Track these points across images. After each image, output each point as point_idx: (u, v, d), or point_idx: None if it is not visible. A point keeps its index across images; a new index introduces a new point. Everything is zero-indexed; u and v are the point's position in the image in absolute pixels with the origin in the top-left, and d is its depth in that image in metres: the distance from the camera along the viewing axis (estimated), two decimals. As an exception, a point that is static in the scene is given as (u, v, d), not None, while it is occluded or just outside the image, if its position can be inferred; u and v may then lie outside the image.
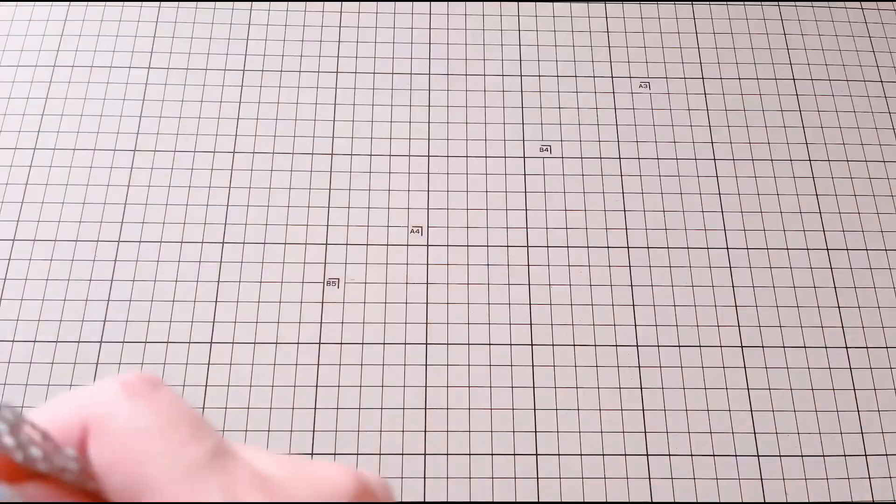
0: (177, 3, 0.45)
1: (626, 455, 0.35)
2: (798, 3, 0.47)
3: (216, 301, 0.37)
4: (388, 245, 0.39)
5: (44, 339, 0.37)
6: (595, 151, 0.42)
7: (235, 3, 0.45)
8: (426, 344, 0.37)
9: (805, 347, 0.38)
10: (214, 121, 0.42)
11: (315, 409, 0.35)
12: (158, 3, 0.45)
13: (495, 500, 0.34)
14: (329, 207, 0.40)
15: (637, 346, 0.37)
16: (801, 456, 0.35)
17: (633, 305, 0.38)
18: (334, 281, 0.38)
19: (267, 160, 0.41)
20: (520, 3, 0.46)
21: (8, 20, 0.44)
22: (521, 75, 0.44)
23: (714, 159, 0.42)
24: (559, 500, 0.34)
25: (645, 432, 0.35)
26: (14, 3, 0.45)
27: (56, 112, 0.42)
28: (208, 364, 0.36)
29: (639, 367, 0.37)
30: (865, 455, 0.36)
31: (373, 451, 0.35)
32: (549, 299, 0.38)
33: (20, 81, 0.42)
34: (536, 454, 0.35)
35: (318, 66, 0.43)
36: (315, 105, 0.42)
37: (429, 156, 0.41)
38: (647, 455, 0.35)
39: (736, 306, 0.38)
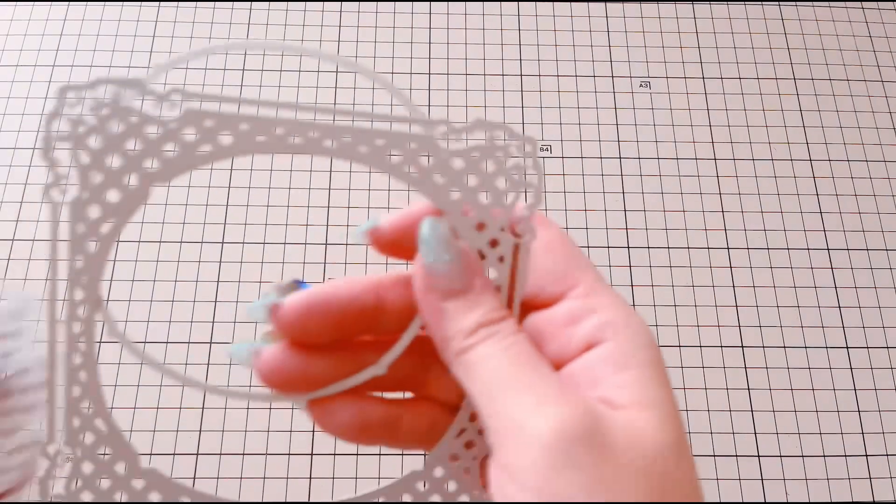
0: (176, 2, 0.45)
1: (626, 455, 0.35)
2: (799, 3, 0.47)
3: (216, 301, 0.37)
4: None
5: (43, 340, 0.36)
6: (595, 151, 0.42)
7: (235, 2, 0.45)
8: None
9: (806, 347, 0.38)
10: (214, 120, 0.42)
11: (315, 409, 0.35)
12: (158, 2, 0.45)
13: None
14: (329, 207, 0.40)
15: (637, 346, 0.37)
16: (802, 456, 0.35)
17: (634, 305, 0.38)
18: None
19: (266, 160, 0.41)
20: (520, 2, 0.46)
21: (7, 20, 0.44)
22: (521, 75, 0.44)
23: (715, 159, 0.42)
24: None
25: (645, 432, 0.35)
26: (13, 2, 0.45)
27: (55, 112, 0.42)
28: (208, 364, 0.36)
29: (639, 367, 0.36)
30: (866, 455, 0.35)
31: (372, 452, 0.35)
32: (550, 299, 0.38)
33: (20, 81, 0.42)
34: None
35: (317, 66, 0.43)
36: (314, 105, 0.42)
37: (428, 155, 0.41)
38: (648, 455, 0.35)
39: (737, 306, 0.38)
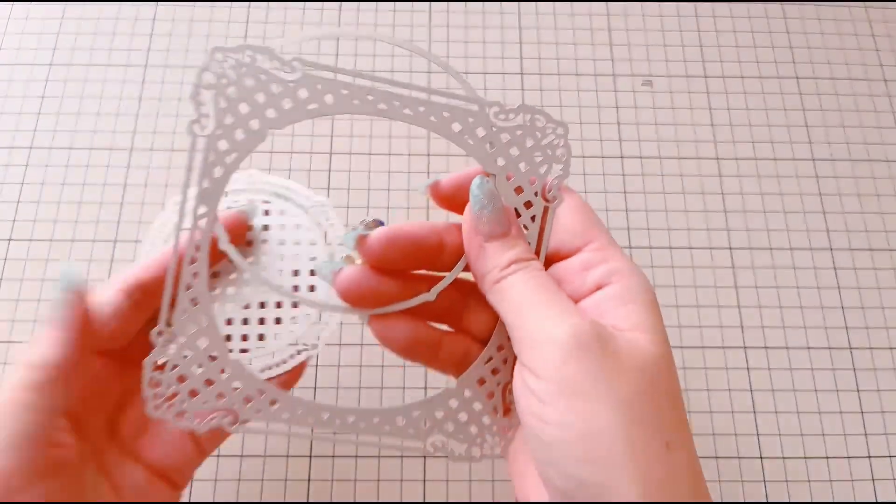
0: (174, 1, 0.45)
1: (628, 457, 0.34)
2: (802, 2, 0.47)
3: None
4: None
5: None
6: (597, 150, 0.42)
7: (233, 1, 0.45)
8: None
9: (808, 348, 0.37)
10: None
11: (314, 410, 0.35)
12: (156, 1, 0.45)
13: (496, 501, 0.34)
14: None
15: (639, 346, 0.37)
16: (805, 458, 0.35)
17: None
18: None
19: (266, 159, 0.40)
20: (520, 1, 0.46)
21: (4, 18, 0.44)
22: (521, 73, 0.43)
23: (717, 158, 0.42)
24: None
25: (647, 434, 0.35)
26: (10, 0, 0.44)
27: (52, 111, 0.41)
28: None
29: (641, 368, 0.36)
30: (869, 456, 0.35)
31: (372, 454, 0.34)
32: (551, 300, 0.37)
33: (16, 80, 0.42)
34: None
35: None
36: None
37: (429, 155, 0.41)
38: (650, 457, 0.34)
39: (739, 306, 0.38)
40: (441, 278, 0.24)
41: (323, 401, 0.33)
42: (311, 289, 0.26)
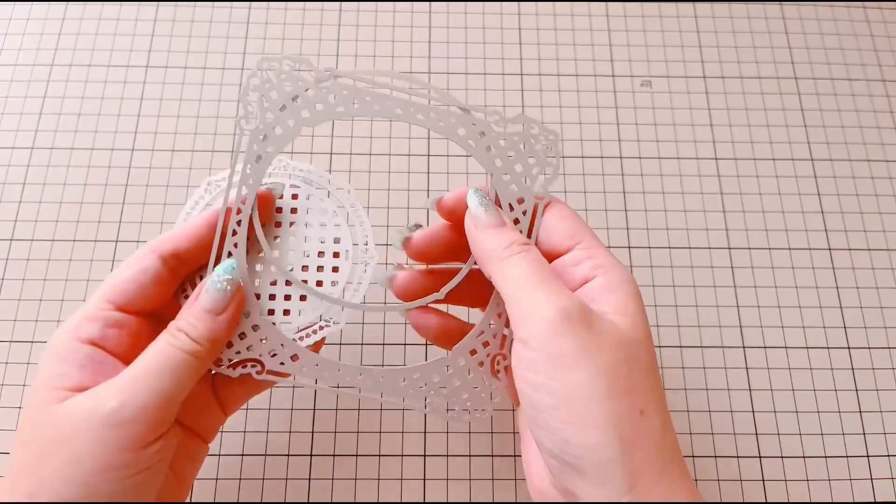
0: (175, 1, 0.45)
1: (627, 456, 0.34)
2: (800, 2, 0.47)
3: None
4: (387, 245, 0.39)
5: (42, 340, 0.36)
6: (596, 150, 0.42)
7: (234, 1, 0.45)
8: (426, 345, 0.37)
9: (807, 348, 0.38)
10: (213, 119, 0.41)
11: (314, 410, 0.35)
12: (157, 1, 0.45)
13: (496, 500, 0.34)
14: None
15: (638, 346, 0.37)
16: (804, 457, 0.35)
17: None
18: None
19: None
20: (520, 1, 0.46)
21: (6, 19, 0.44)
22: (521, 74, 0.44)
23: (716, 158, 0.42)
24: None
25: (646, 433, 0.35)
26: (12, 1, 0.45)
27: (54, 111, 0.41)
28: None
29: (640, 367, 0.36)
30: (867, 456, 0.35)
31: (372, 453, 0.35)
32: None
33: (17, 80, 0.42)
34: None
35: (316, 66, 0.43)
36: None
37: (429, 155, 0.41)
38: (649, 456, 0.35)
39: (738, 306, 0.38)
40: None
41: (319, 403, 0.33)
42: (335, 270, 0.29)
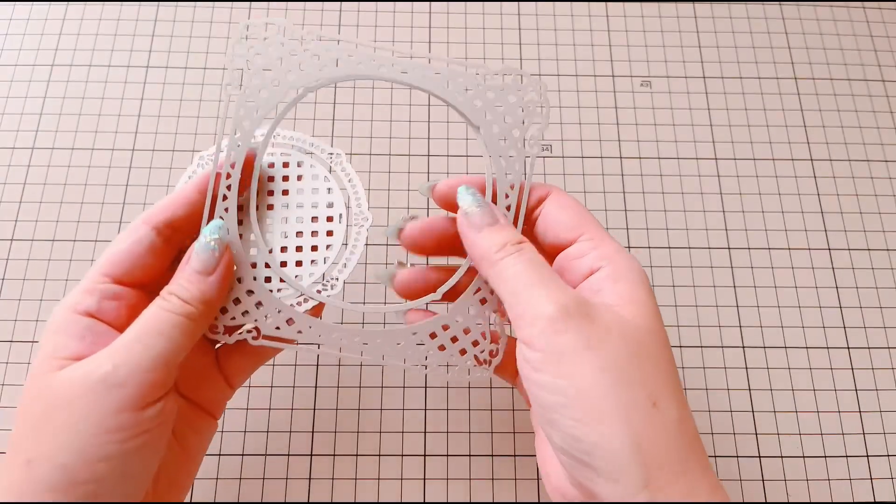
0: (175, 1, 0.45)
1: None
2: (800, 3, 0.47)
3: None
4: (387, 245, 0.39)
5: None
6: (596, 151, 0.42)
7: (234, 2, 0.45)
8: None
9: (807, 348, 0.38)
10: (213, 120, 0.41)
11: (314, 409, 0.35)
12: (157, 2, 0.45)
13: (496, 500, 0.34)
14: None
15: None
16: (804, 457, 0.35)
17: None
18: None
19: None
20: (520, 2, 0.46)
21: (6, 19, 0.44)
22: (521, 74, 0.44)
23: (716, 158, 0.42)
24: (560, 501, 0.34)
25: (646, 433, 0.35)
26: (13, 2, 0.45)
27: (54, 111, 0.42)
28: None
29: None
30: (867, 456, 0.35)
31: (372, 453, 0.35)
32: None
33: (18, 80, 0.42)
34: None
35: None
36: (314, 104, 0.42)
37: (429, 155, 0.41)
38: (649, 456, 0.35)
39: (738, 306, 0.38)
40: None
41: (322, 401, 0.33)
42: (329, 234, 0.29)
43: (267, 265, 0.27)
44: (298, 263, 0.28)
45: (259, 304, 0.27)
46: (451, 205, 0.27)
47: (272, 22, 0.28)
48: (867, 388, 0.37)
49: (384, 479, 0.34)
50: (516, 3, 0.46)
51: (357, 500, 0.34)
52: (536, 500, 0.34)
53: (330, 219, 0.29)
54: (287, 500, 0.34)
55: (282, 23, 0.28)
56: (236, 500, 0.33)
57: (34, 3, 0.45)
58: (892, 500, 0.35)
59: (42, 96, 0.42)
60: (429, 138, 0.42)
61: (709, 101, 0.43)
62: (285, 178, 0.29)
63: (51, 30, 0.44)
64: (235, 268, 0.26)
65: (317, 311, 0.28)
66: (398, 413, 0.35)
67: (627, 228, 0.40)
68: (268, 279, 0.27)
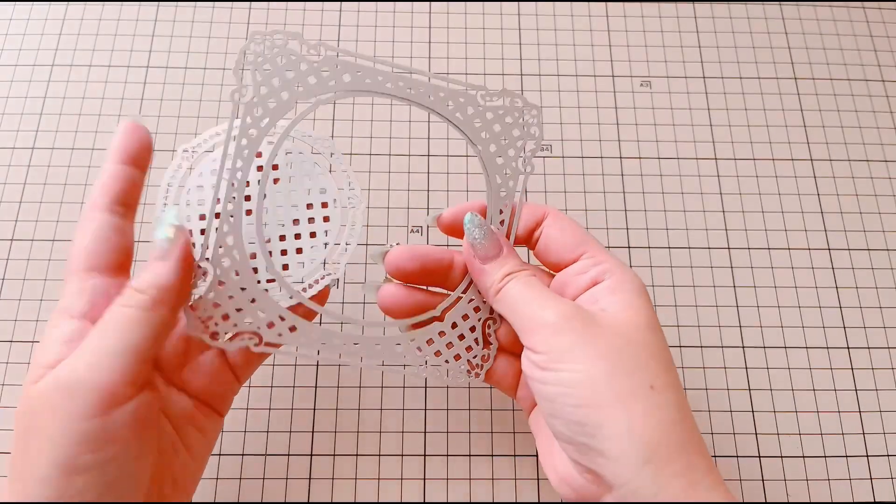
0: (175, 2, 0.45)
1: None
2: (800, 3, 0.47)
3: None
4: (387, 245, 0.39)
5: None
6: (596, 151, 0.42)
7: (234, 2, 0.45)
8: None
9: (807, 348, 0.38)
10: (213, 120, 0.41)
11: (314, 409, 0.35)
12: (157, 2, 0.45)
13: (496, 500, 0.34)
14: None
15: (638, 346, 0.37)
16: (803, 457, 0.35)
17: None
18: (333, 281, 0.38)
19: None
20: (520, 2, 0.46)
21: (6, 19, 0.44)
22: (521, 74, 0.44)
23: (715, 158, 0.42)
24: (559, 501, 0.34)
25: (646, 433, 0.35)
26: (13, 2, 0.45)
27: (54, 111, 0.42)
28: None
29: (640, 367, 0.36)
30: (867, 456, 0.35)
31: (372, 452, 0.35)
32: (550, 299, 0.37)
33: (18, 80, 0.42)
34: (537, 455, 0.35)
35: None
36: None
37: (429, 155, 0.41)
38: (648, 456, 0.35)
39: (737, 306, 0.38)
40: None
41: (322, 403, 0.33)
42: (326, 220, 0.29)
43: (265, 269, 0.28)
44: (299, 250, 0.29)
45: (262, 311, 0.27)
46: (457, 232, 0.29)
47: (280, 32, 0.28)
48: (867, 388, 0.37)
49: (384, 479, 0.34)
50: (516, 3, 0.46)
51: (357, 500, 0.34)
52: (536, 500, 0.34)
53: (325, 204, 0.29)
54: (287, 501, 0.34)
55: (289, 34, 0.28)
56: (236, 501, 0.33)
57: (34, 3, 0.45)
58: (892, 500, 0.35)
59: (42, 96, 0.42)
60: (428, 138, 0.42)
61: (709, 101, 0.43)
62: (275, 167, 0.29)
63: (51, 30, 0.44)
64: (239, 277, 0.27)
65: (322, 296, 0.29)
66: (398, 413, 0.35)
67: (627, 228, 0.40)
68: (270, 280, 0.28)
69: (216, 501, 0.33)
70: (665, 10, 0.46)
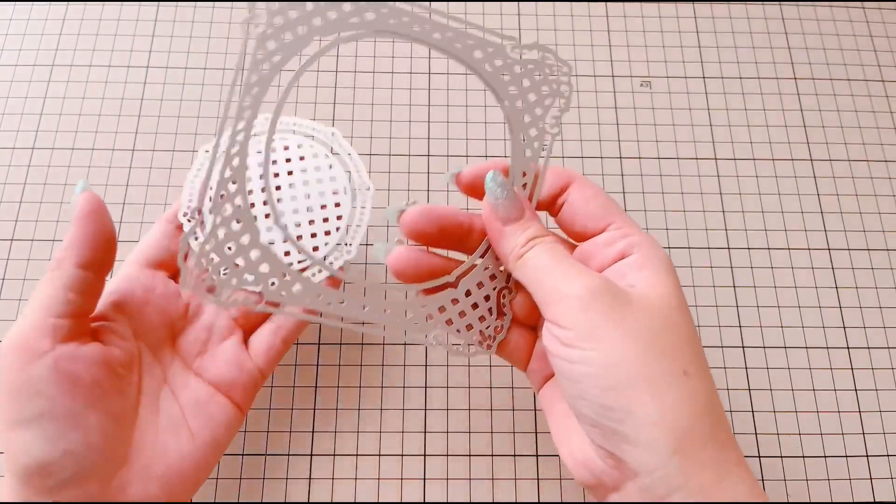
0: (175, 2, 0.45)
1: (626, 456, 0.34)
2: (800, 3, 0.47)
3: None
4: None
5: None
6: (596, 151, 0.42)
7: (234, 2, 0.45)
8: (426, 344, 0.37)
9: (806, 348, 0.38)
10: (213, 120, 0.42)
11: (314, 409, 0.35)
12: (157, 2, 0.45)
13: (496, 500, 0.34)
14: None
15: (638, 346, 0.37)
16: (803, 457, 0.35)
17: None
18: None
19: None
20: (520, 2, 0.46)
21: (6, 19, 0.44)
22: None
23: (715, 159, 0.42)
24: (560, 501, 0.34)
25: (646, 433, 0.35)
26: (13, 2, 0.45)
27: (54, 111, 0.42)
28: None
29: (640, 367, 0.36)
30: (867, 456, 0.35)
31: (372, 452, 0.35)
32: (550, 299, 0.37)
33: (18, 81, 0.42)
34: (537, 455, 0.35)
35: (317, 66, 0.43)
36: (315, 104, 0.42)
37: (429, 155, 0.41)
38: (648, 456, 0.35)
39: (737, 306, 0.38)
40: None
41: (324, 403, 0.33)
42: (337, 206, 0.30)
43: (285, 242, 0.29)
44: (313, 235, 0.30)
45: (265, 269, 0.25)
46: (477, 191, 0.27)
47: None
48: (867, 388, 0.37)
49: (384, 479, 0.34)
50: (516, 3, 0.46)
51: (357, 501, 0.34)
52: (536, 500, 0.34)
53: (335, 192, 0.30)
54: (287, 500, 0.34)
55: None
56: (236, 501, 0.33)
57: (34, 3, 0.45)
58: (892, 500, 0.35)
59: (42, 96, 0.42)
60: (428, 138, 0.42)
61: (708, 101, 0.43)
62: (288, 161, 0.30)
63: (51, 30, 0.44)
64: (241, 227, 0.25)
65: (335, 282, 0.30)
66: (398, 413, 0.35)
67: (627, 228, 0.40)
68: (287, 253, 0.29)
69: (216, 501, 0.33)
70: (665, 10, 0.46)
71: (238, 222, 0.25)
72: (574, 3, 0.46)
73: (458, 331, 0.27)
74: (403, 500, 0.34)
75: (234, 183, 0.25)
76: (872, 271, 0.40)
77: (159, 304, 0.29)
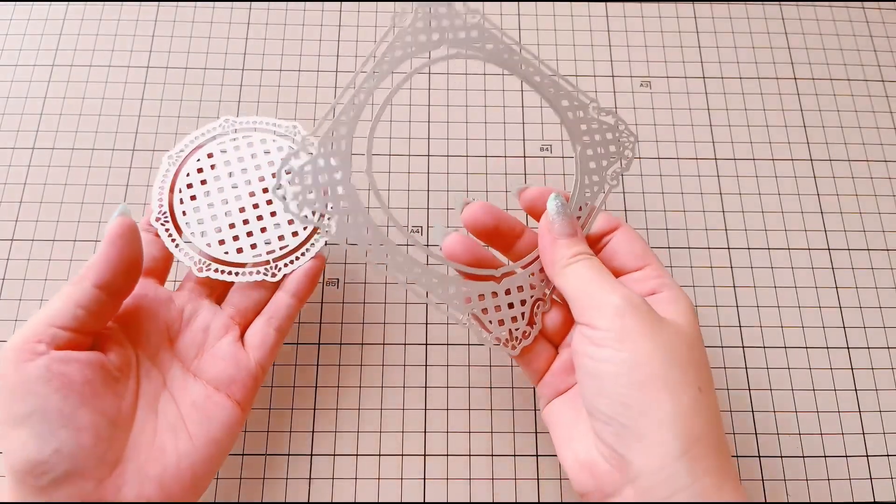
0: (175, 2, 0.45)
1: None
2: (800, 3, 0.47)
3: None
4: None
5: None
6: (596, 151, 0.42)
7: (234, 2, 0.45)
8: (426, 344, 0.37)
9: (806, 348, 0.38)
10: (214, 121, 0.41)
11: (314, 409, 0.35)
12: (157, 2, 0.45)
13: (496, 500, 0.34)
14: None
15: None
16: (803, 457, 0.35)
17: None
18: (334, 281, 0.38)
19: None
20: (520, 2, 0.46)
21: (7, 19, 0.44)
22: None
23: (715, 159, 0.42)
24: (560, 501, 0.34)
25: (646, 433, 0.35)
26: (13, 2, 0.45)
27: (54, 111, 0.42)
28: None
29: (640, 367, 0.36)
30: (867, 456, 0.35)
31: (372, 452, 0.35)
32: (550, 299, 0.37)
33: (18, 81, 0.42)
34: (537, 455, 0.35)
35: (317, 66, 0.43)
36: (315, 104, 0.42)
37: (429, 155, 0.41)
38: (648, 456, 0.35)
39: (737, 306, 0.38)
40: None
41: (330, 401, 0.33)
42: (273, 175, 0.32)
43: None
44: (273, 214, 0.32)
45: (348, 214, 0.29)
46: (534, 210, 0.31)
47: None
48: (867, 388, 0.37)
49: (384, 479, 0.34)
50: (516, 3, 0.46)
51: (357, 501, 0.34)
52: (536, 500, 0.34)
53: (271, 163, 0.33)
54: (287, 501, 0.34)
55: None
56: (236, 501, 0.33)
57: (34, 3, 0.45)
58: (892, 500, 0.35)
59: (42, 96, 0.42)
60: (429, 138, 0.42)
61: (708, 101, 0.43)
62: (253, 156, 0.33)
63: (51, 30, 0.44)
64: (337, 163, 0.29)
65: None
66: (398, 413, 0.35)
67: (627, 228, 0.40)
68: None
69: (216, 501, 0.33)
70: (665, 10, 0.46)
71: (333, 161, 0.29)
72: (574, 3, 0.46)
73: (490, 322, 0.29)
74: (403, 501, 0.34)
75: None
76: (872, 271, 0.40)
77: (152, 310, 0.29)
